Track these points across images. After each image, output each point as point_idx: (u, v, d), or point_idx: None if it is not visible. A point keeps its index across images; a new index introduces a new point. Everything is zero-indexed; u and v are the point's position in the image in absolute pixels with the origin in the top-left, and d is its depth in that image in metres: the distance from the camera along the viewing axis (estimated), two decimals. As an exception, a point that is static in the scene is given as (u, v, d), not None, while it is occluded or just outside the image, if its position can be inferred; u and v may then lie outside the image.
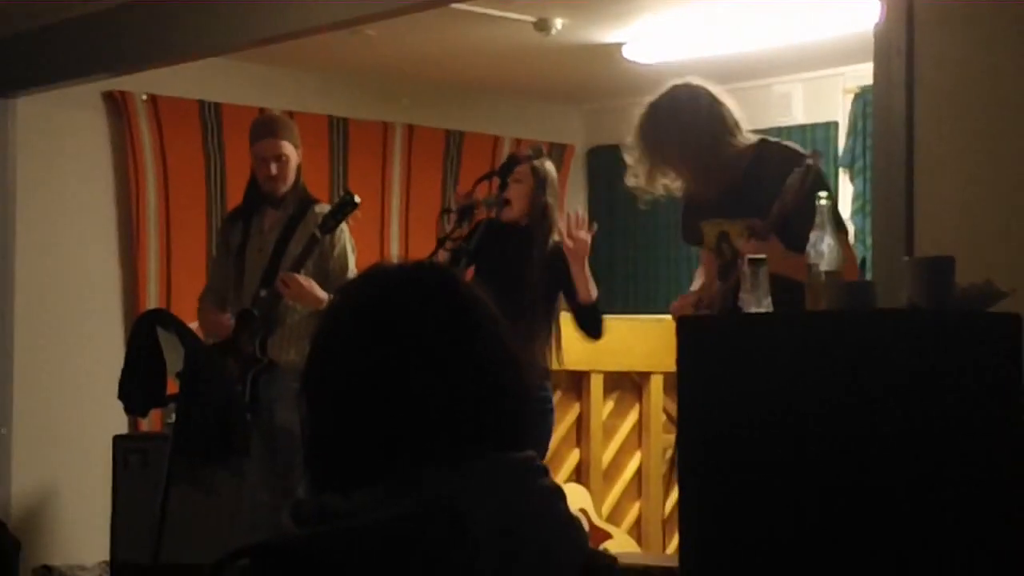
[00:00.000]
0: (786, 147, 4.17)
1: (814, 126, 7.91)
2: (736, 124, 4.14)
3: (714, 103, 4.15)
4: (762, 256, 3.43)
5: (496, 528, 1.57)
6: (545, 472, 1.67)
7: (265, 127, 5.49)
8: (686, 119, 4.12)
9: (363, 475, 1.60)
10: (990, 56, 3.61)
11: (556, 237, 5.26)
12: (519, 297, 5.04)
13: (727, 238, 4.12)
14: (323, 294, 5.16)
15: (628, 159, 4.26)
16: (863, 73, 6.63)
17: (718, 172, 4.14)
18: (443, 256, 5.04)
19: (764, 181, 3.96)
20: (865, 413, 2.97)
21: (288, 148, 5.37)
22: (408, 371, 1.63)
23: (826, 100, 7.91)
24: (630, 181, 4.28)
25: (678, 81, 4.22)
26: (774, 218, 3.79)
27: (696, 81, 4.20)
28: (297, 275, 5.17)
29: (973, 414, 3.05)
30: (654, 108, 4.20)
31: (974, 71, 3.64)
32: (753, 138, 4.17)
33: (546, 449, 5.45)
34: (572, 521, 1.67)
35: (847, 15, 6.32)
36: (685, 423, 3.37)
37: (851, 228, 7.41)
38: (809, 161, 3.77)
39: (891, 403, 2.96)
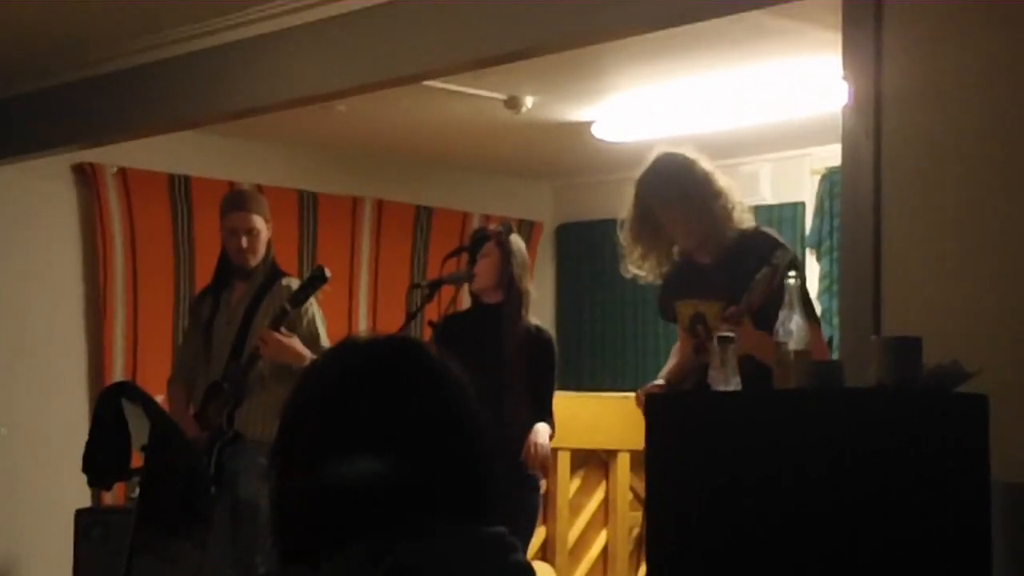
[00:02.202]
0: (765, 234, 4.22)
1: (781, 206, 7.97)
2: (728, 189, 4.19)
3: (705, 169, 4.21)
4: (731, 334, 3.44)
5: (466, 601, 1.56)
6: (515, 548, 1.67)
7: (236, 201, 5.51)
8: (686, 176, 4.17)
9: (331, 547, 1.59)
10: (957, 138, 3.64)
11: (533, 320, 5.28)
12: (496, 377, 5.04)
13: (702, 319, 4.14)
14: (304, 349, 5.12)
15: (623, 237, 4.29)
16: (829, 154, 6.70)
17: (711, 238, 4.17)
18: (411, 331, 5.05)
19: (743, 263, 3.99)
20: (833, 492, 2.97)
21: (258, 222, 5.38)
22: (377, 443, 1.62)
23: (793, 180, 7.96)
24: (627, 269, 4.31)
25: (664, 149, 4.27)
26: (742, 310, 3.82)
27: (680, 150, 4.26)
28: (275, 332, 5.13)
29: (940, 494, 3.05)
30: (652, 170, 4.24)
31: (941, 152, 3.67)
32: (749, 222, 4.21)
33: (533, 527, 5.42)
34: (542, 597, 1.67)
35: (814, 97, 6.38)
36: (653, 500, 3.36)
37: (818, 307, 7.47)
38: (776, 261, 3.80)
39: (859, 482, 2.96)
